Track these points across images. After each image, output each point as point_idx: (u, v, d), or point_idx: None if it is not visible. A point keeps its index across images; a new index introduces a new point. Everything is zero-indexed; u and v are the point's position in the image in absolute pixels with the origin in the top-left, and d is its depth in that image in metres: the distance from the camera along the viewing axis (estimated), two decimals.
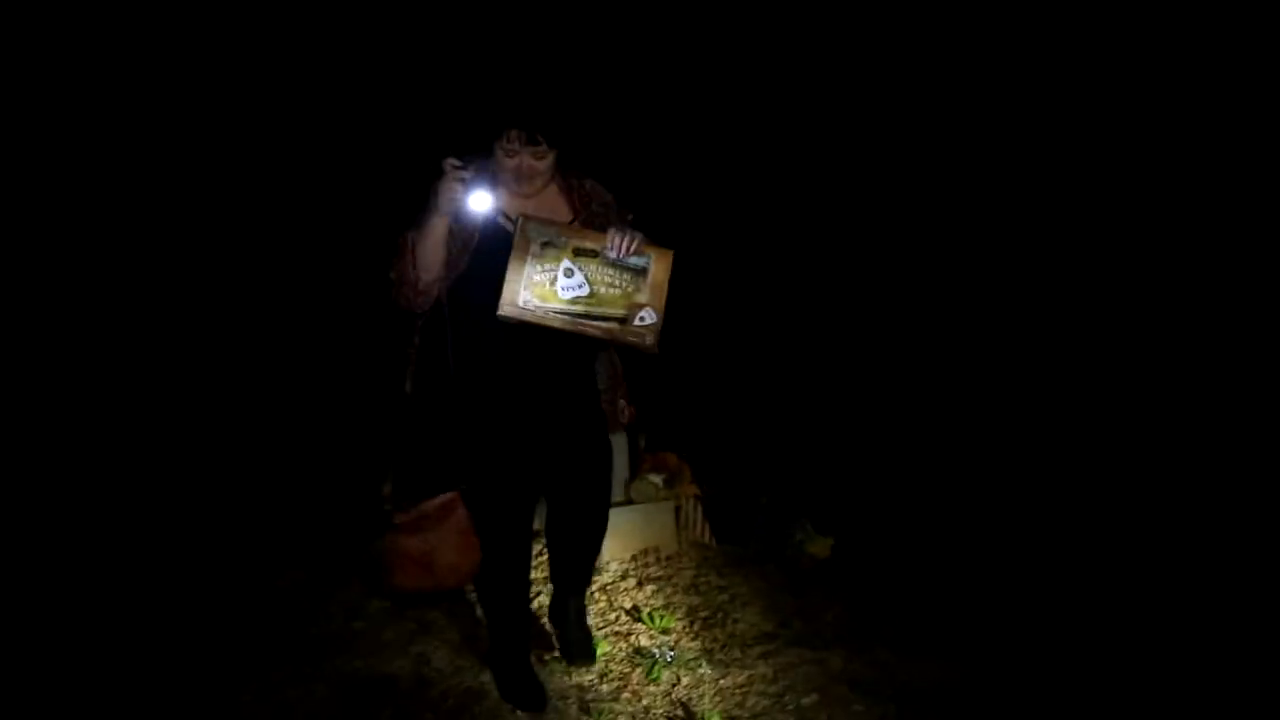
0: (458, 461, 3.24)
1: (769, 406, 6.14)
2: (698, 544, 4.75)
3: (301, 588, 4.24)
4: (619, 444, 4.65)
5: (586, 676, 3.61)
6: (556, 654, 3.72)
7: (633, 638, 3.91)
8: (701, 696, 3.53)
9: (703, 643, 3.89)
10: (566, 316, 3.01)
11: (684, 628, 4.00)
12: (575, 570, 3.65)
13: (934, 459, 5.45)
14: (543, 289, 2.99)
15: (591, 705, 3.41)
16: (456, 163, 2.94)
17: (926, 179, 7.00)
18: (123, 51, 6.34)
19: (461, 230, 3.06)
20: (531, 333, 3.04)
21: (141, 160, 6.44)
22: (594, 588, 4.25)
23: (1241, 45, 5.92)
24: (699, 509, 4.82)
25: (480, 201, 2.97)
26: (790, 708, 3.45)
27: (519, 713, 3.39)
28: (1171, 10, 6.15)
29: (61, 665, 3.55)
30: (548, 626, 3.82)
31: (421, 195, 3.04)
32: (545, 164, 3.10)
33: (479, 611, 3.81)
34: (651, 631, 3.95)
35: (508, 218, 3.10)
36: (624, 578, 4.39)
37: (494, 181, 3.07)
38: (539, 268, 2.99)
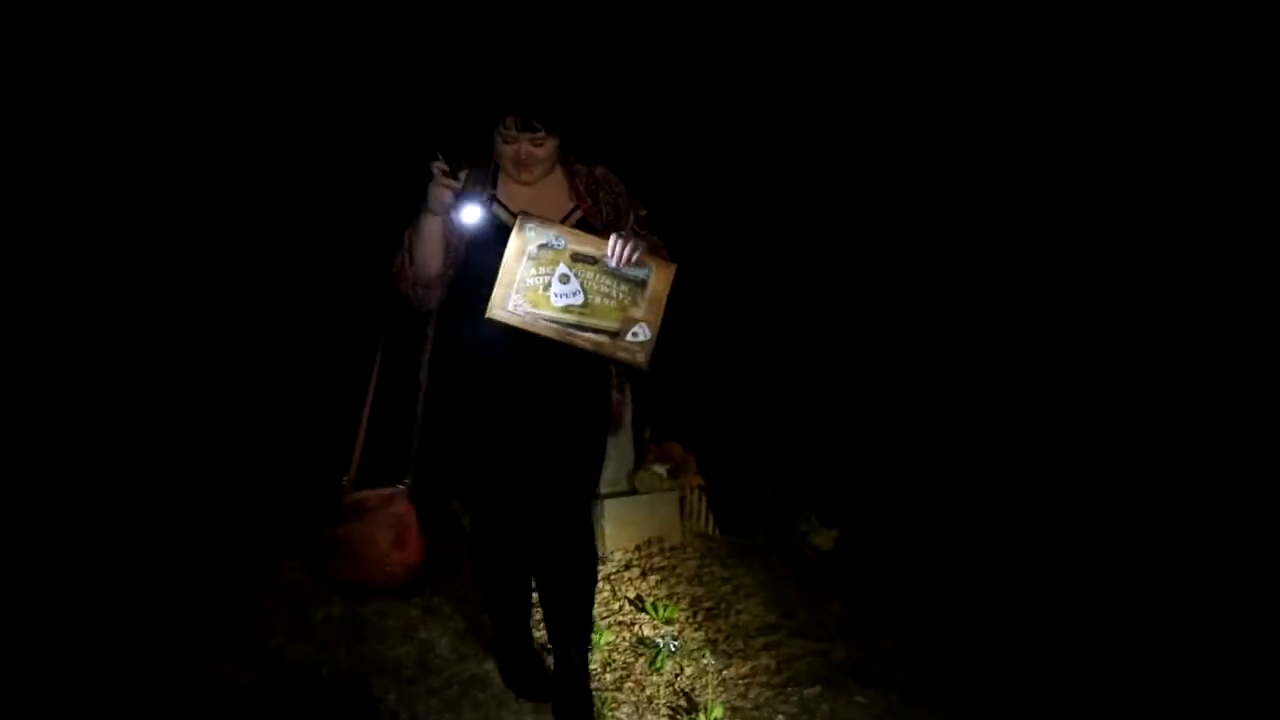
0: (442, 452, 3.16)
1: (774, 398, 6.14)
2: (702, 534, 4.75)
3: (303, 576, 4.24)
4: (624, 441, 4.65)
5: (590, 666, 3.61)
6: None
7: (636, 627, 3.91)
8: (705, 687, 3.53)
9: (706, 633, 3.89)
10: (556, 325, 2.86)
11: (687, 618, 4.01)
12: (568, 612, 3.28)
13: (938, 451, 5.45)
14: (535, 294, 2.85)
15: (595, 694, 3.41)
16: (444, 167, 2.85)
17: (932, 170, 6.99)
18: (119, 49, 6.33)
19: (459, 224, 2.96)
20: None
21: (120, 145, 6.44)
22: (599, 577, 4.24)
23: (1241, 45, 5.92)
24: (703, 499, 4.83)
25: (470, 214, 2.88)
26: (794, 698, 3.45)
27: (522, 701, 3.39)
28: (1171, 10, 6.15)
29: (59, 657, 3.54)
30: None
31: (420, 189, 2.96)
32: (545, 151, 2.96)
33: None
34: (655, 621, 3.95)
35: (506, 208, 3.00)
36: (628, 567, 4.40)
37: (487, 175, 3.01)
38: (533, 271, 2.85)
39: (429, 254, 2.94)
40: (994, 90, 6.78)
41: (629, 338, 2.88)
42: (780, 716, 3.35)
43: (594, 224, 3.01)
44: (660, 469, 4.75)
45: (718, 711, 3.33)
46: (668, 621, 3.96)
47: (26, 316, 5.62)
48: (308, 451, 5.22)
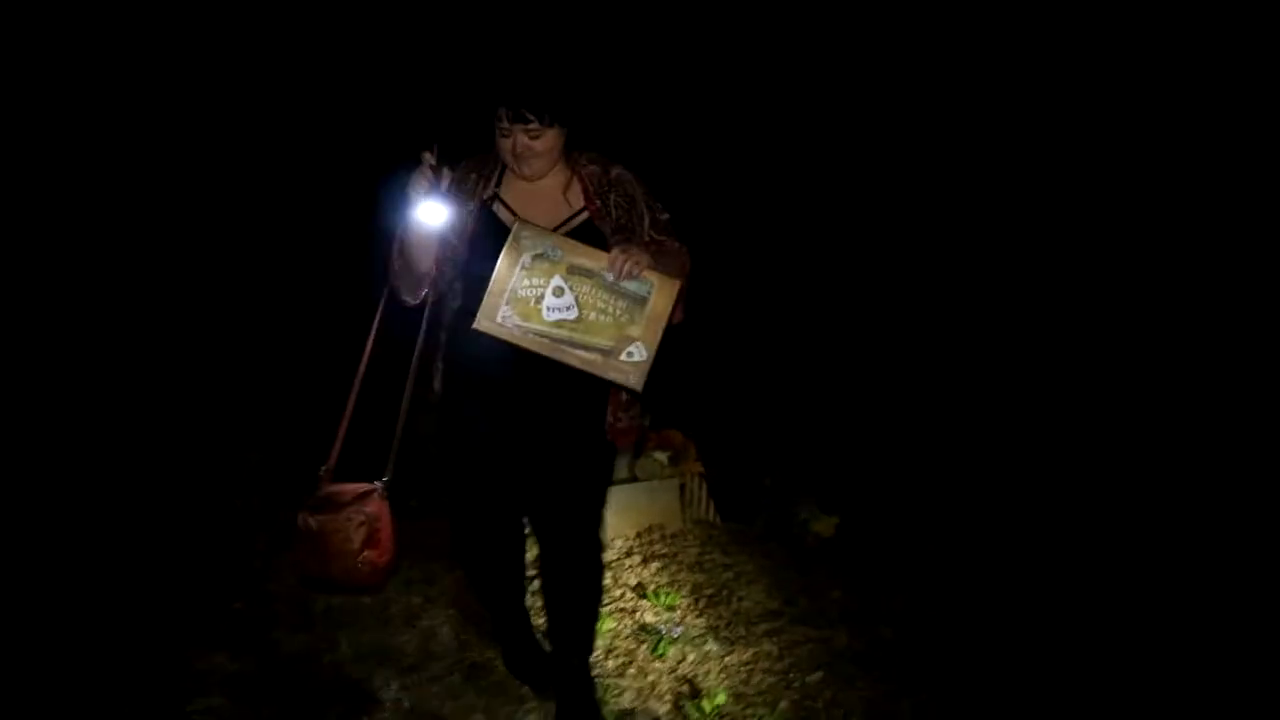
0: (438, 455, 3.07)
1: (774, 385, 6.14)
2: (702, 522, 4.75)
3: None
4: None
5: (592, 653, 3.61)
6: None
7: (638, 614, 3.92)
8: (707, 673, 3.54)
9: (708, 620, 3.89)
10: (547, 340, 2.71)
11: (689, 605, 4.01)
12: (570, 624, 3.19)
13: (939, 438, 5.46)
14: (526, 306, 2.71)
15: (597, 681, 3.41)
16: (431, 159, 2.77)
17: (935, 161, 6.99)
18: (112, 45, 6.32)
19: (453, 221, 2.85)
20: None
21: (115, 132, 6.44)
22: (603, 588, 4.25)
23: (1241, 45, 5.93)
24: (704, 486, 4.83)
25: (430, 213, 2.75)
26: (795, 685, 3.46)
27: (525, 689, 3.40)
28: (1171, 10, 6.16)
29: (62, 648, 3.55)
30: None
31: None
32: (543, 144, 2.81)
33: None
34: (657, 608, 3.95)
35: (508, 207, 2.89)
36: (629, 555, 4.40)
37: (493, 173, 2.92)
38: (526, 281, 2.71)
39: (418, 248, 2.84)
40: (999, 89, 6.78)
41: (623, 357, 2.72)
42: (783, 703, 3.36)
43: (601, 228, 2.87)
44: (661, 456, 4.75)
45: (720, 698, 3.34)
46: (669, 608, 3.96)
47: (24, 312, 5.63)
48: (307, 441, 5.24)
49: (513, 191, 2.92)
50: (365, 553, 2.89)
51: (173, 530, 4.37)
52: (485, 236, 2.84)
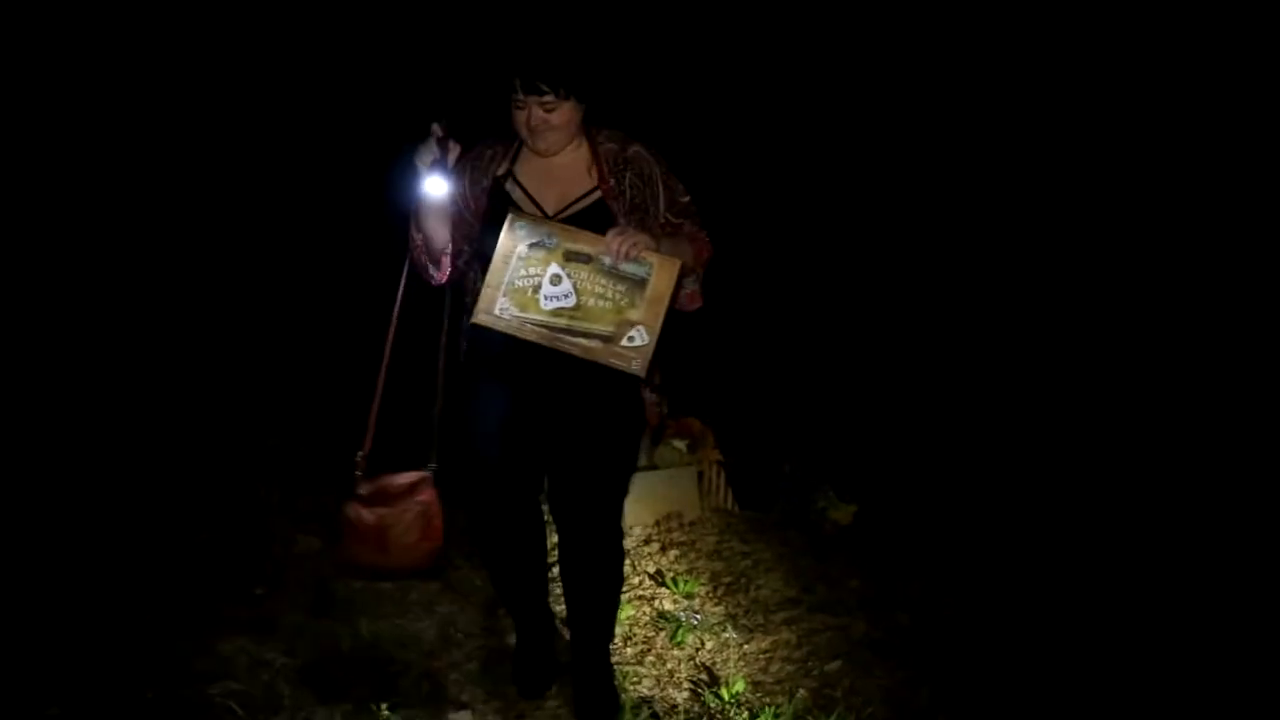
0: (449, 438, 3.00)
1: (792, 373, 6.13)
2: (720, 509, 4.75)
3: (321, 551, 4.26)
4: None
5: (611, 640, 3.62)
6: None
7: (657, 602, 3.92)
8: (725, 661, 3.54)
9: (726, 608, 3.90)
10: (545, 330, 2.66)
11: (707, 593, 4.01)
12: (591, 616, 3.20)
13: (956, 426, 5.44)
14: (523, 296, 2.66)
15: (616, 668, 3.41)
16: (438, 129, 2.74)
17: (953, 153, 6.97)
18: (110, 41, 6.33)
19: (467, 197, 2.85)
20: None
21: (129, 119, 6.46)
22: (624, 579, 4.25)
23: (1241, 45, 5.91)
24: (722, 474, 4.83)
25: (436, 186, 2.73)
26: (814, 673, 3.46)
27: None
28: (1171, 10, 6.14)
29: (81, 638, 3.56)
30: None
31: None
32: (558, 118, 2.74)
33: None
34: (675, 596, 3.96)
35: (521, 186, 2.84)
36: (647, 542, 4.40)
37: (509, 151, 2.87)
38: (522, 271, 2.66)
39: (430, 223, 2.83)
40: (1016, 82, 6.76)
41: (624, 342, 2.65)
42: (801, 691, 3.35)
43: (614, 207, 2.79)
44: (679, 444, 4.75)
45: (739, 685, 3.35)
46: (688, 596, 3.96)
47: (49, 305, 5.66)
48: (326, 425, 5.26)
49: (527, 169, 2.86)
50: (425, 543, 2.96)
51: (194, 516, 4.39)
52: (498, 215, 2.77)
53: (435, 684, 3.37)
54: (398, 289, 2.96)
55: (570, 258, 2.65)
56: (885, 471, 5.07)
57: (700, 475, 4.74)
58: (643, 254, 2.63)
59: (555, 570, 3.53)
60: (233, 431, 5.16)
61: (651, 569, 4.17)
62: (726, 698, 3.30)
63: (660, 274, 2.64)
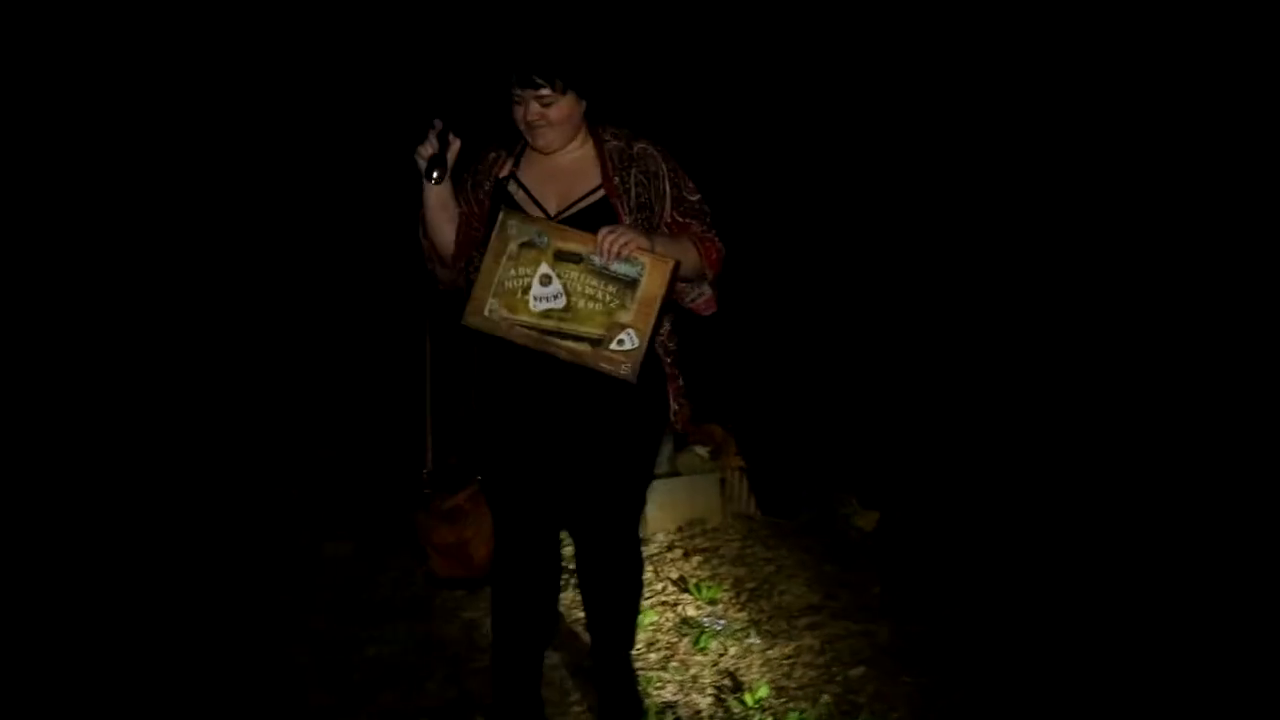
0: (476, 452, 2.96)
1: (815, 379, 6.14)
2: (743, 516, 4.76)
3: (349, 557, 4.30)
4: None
5: (634, 646, 3.63)
6: None
7: (680, 608, 3.94)
8: (749, 667, 3.55)
9: (749, 614, 3.91)
10: (534, 333, 2.58)
11: (730, 598, 4.02)
12: (611, 624, 3.15)
13: (980, 432, 5.44)
14: (512, 298, 2.59)
15: (640, 674, 3.43)
16: (438, 124, 2.68)
17: (976, 152, 6.96)
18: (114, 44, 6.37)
19: (471, 202, 2.80)
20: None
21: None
22: (643, 585, 4.27)
23: (1241, 45, 5.91)
24: (744, 481, 4.84)
25: (435, 183, 2.70)
26: (838, 679, 3.47)
27: (570, 680, 3.42)
28: (1172, 10, 6.15)
29: (112, 639, 3.61)
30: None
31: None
32: (556, 113, 2.65)
33: None
34: (698, 602, 3.97)
35: (524, 188, 2.76)
36: (670, 549, 4.42)
37: (500, 152, 2.82)
38: (512, 272, 2.58)
39: (435, 226, 2.79)
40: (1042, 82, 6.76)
41: (613, 346, 2.55)
42: (825, 697, 3.36)
43: (617, 206, 2.70)
44: (701, 450, 4.77)
45: (763, 691, 3.35)
46: (711, 602, 3.97)
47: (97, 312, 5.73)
48: (352, 432, 5.30)
49: (530, 170, 2.80)
50: (488, 550, 2.97)
51: (223, 521, 4.44)
52: (499, 213, 2.70)
53: (462, 688, 3.40)
54: (425, 299, 2.99)
55: (561, 257, 2.57)
56: (909, 477, 5.07)
57: (723, 482, 4.75)
58: (635, 253, 2.53)
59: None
60: (263, 438, 5.20)
61: (674, 575, 4.19)
62: (750, 703, 3.31)
63: (652, 275, 2.53)
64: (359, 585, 4.06)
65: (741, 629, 3.78)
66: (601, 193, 2.72)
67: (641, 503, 3.08)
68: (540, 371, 2.71)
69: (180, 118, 6.75)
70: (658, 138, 2.84)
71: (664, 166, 2.77)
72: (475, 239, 2.79)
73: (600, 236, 2.52)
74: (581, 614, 3.44)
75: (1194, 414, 5.20)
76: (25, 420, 5.07)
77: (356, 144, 6.70)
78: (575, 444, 2.84)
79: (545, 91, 2.63)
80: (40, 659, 3.43)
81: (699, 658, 3.60)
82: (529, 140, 2.73)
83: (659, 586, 4.10)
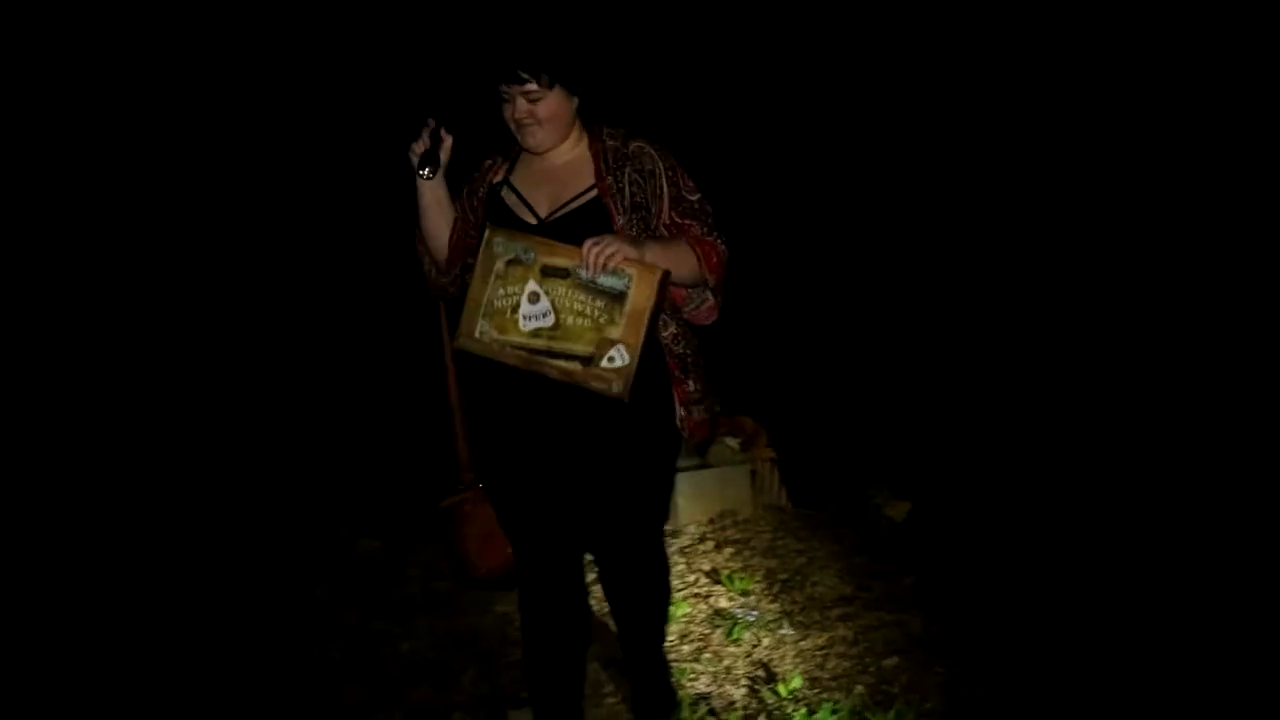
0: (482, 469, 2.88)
1: (845, 369, 6.12)
2: (774, 507, 4.75)
3: (379, 554, 4.32)
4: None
5: (667, 638, 3.62)
6: None
7: (712, 599, 3.93)
8: (782, 657, 3.54)
9: (782, 605, 3.89)
10: (524, 353, 2.48)
11: (763, 590, 4.01)
12: (639, 624, 3.04)
13: (1011, 420, 5.41)
14: (502, 318, 2.49)
15: (673, 665, 3.43)
16: (431, 122, 2.63)
17: (1011, 141, 6.92)
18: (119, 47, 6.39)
19: (467, 210, 2.73)
20: None
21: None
22: (672, 550, 4.27)
23: (1241, 45, 5.87)
24: (775, 472, 4.83)
25: (426, 182, 2.65)
26: (871, 669, 3.45)
27: (604, 672, 3.42)
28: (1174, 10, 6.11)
29: (149, 633, 3.64)
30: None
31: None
32: (545, 110, 2.56)
33: None
34: (731, 593, 3.96)
35: (518, 194, 2.66)
36: (701, 540, 4.41)
37: (495, 157, 2.74)
38: (501, 291, 2.49)
39: (430, 227, 2.73)
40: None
41: (604, 364, 2.43)
42: (858, 687, 3.35)
43: (610, 207, 2.58)
44: (732, 442, 4.76)
45: (796, 682, 3.34)
46: (743, 593, 3.97)
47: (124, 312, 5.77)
48: (379, 434, 5.32)
49: (524, 173, 2.70)
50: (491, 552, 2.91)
51: (255, 519, 4.47)
52: (493, 220, 2.63)
53: (494, 683, 3.40)
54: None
55: (548, 273, 2.46)
56: (940, 467, 5.05)
57: (754, 473, 4.75)
58: (621, 264, 2.41)
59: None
60: (294, 436, 5.23)
61: (707, 567, 4.18)
62: (784, 694, 3.30)
63: (640, 286, 2.41)
64: (389, 581, 4.08)
65: (774, 620, 3.77)
66: (594, 193, 2.60)
67: (659, 514, 2.92)
68: (535, 392, 2.58)
69: (191, 121, 6.78)
70: (659, 135, 2.72)
71: (661, 165, 2.64)
72: (470, 246, 2.67)
73: (585, 249, 2.40)
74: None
75: (1227, 406, 5.15)
76: (60, 422, 5.12)
77: (364, 145, 6.73)
78: (577, 464, 2.69)
79: (532, 87, 2.53)
80: (74, 654, 3.46)
81: (732, 649, 3.60)
82: (520, 140, 2.63)
83: (691, 578, 4.09)
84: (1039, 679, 3.40)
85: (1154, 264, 6.15)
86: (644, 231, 2.58)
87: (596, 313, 2.43)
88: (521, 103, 2.55)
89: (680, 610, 3.78)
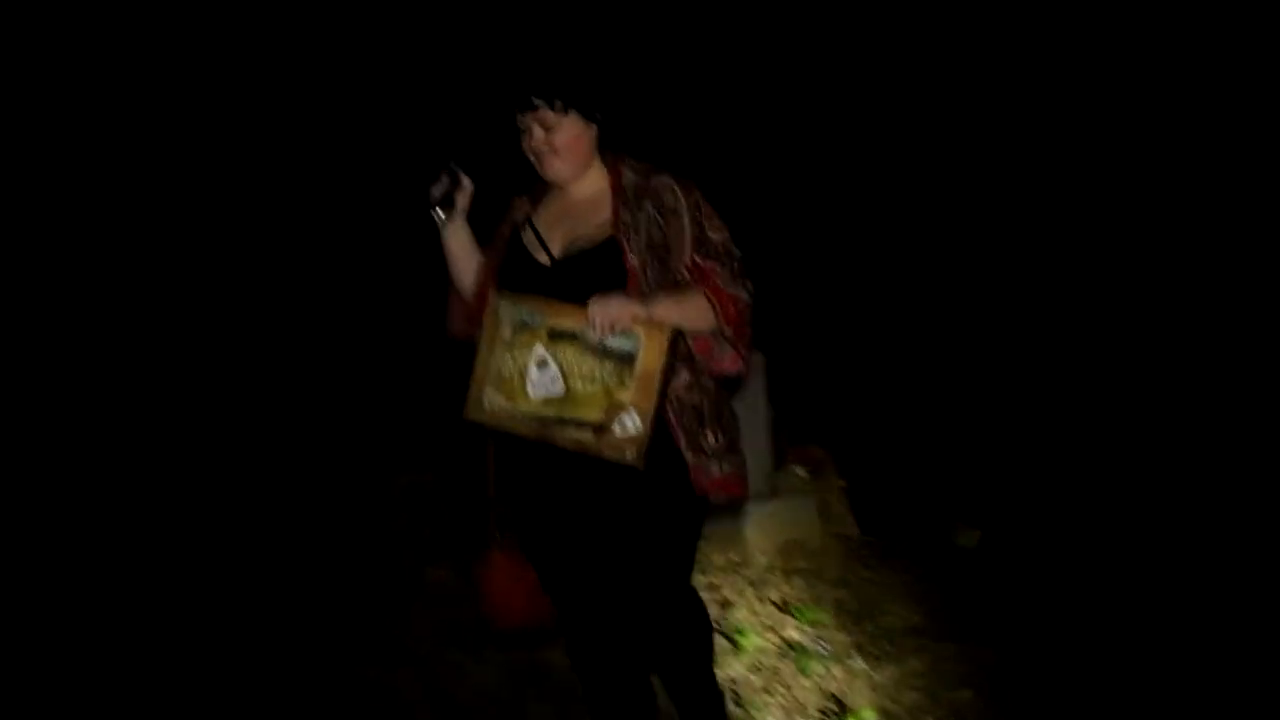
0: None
1: (914, 397, 6.07)
2: (843, 536, 4.72)
3: (448, 583, 4.33)
4: (762, 444, 4.62)
5: (737, 669, 3.61)
6: None
7: (782, 631, 3.91)
8: (854, 690, 3.51)
9: (853, 636, 3.86)
10: (535, 423, 2.39)
11: (833, 621, 3.98)
12: (682, 685, 2.83)
13: (1084, 446, 5.34)
14: (510, 386, 2.41)
15: (743, 698, 3.42)
16: (453, 168, 2.56)
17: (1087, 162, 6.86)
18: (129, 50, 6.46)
19: (492, 252, 2.64)
20: None
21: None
22: (740, 581, 4.26)
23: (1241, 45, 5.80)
24: (844, 501, 4.80)
25: (439, 204, 2.56)
26: (944, 702, 3.41)
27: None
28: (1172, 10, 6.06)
29: (221, 662, 3.68)
30: None
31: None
32: (561, 139, 2.48)
33: None
34: (801, 625, 3.94)
35: (537, 234, 2.56)
36: (770, 571, 4.39)
37: (523, 196, 2.67)
38: (508, 358, 2.41)
39: (455, 276, 2.67)
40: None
41: (616, 431, 2.33)
42: None
43: (624, 245, 2.45)
44: (800, 471, 4.75)
45: (869, 715, 3.32)
46: (813, 624, 3.94)
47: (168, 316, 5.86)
48: (451, 460, 5.35)
49: (545, 211, 2.62)
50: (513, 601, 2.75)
51: (325, 547, 4.51)
52: (510, 264, 2.58)
53: (568, 716, 3.40)
54: None
55: (555, 336, 2.37)
56: (1011, 494, 4.99)
57: (822, 502, 4.72)
58: (629, 324, 2.31)
59: None
60: (364, 465, 5.28)
61: (776, 597, 4.16)
62: None
63: (649, 347, 2.31)
64: (459, 610, 4.08)
65: (845, 651, 3.74)
66: (608, 231, 2.48)
67: (676, 581, 2.65)
68: (547, 459, 2.48)
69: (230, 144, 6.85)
70: (689, 166, 2.61)
71: (684, 201, 2.49)
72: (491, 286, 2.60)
73: (590, 311, 2.30)
74: None
75: None
76: (131, 442, 5.22)
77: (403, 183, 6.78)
78: (588, 529, 2.56)
79: (545, 113, 2.46)
80: (144, 674, 3.51)
81: (803, 681, 3.57)
82: (539, 171, 2.55)
83: (761, 610, 4.07)
84: (1117, 712, 3.35)
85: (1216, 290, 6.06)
86: (662, 273, 2.45)
87: (606, 376, 2.33)
88: (537, 131, 2.48)
89: (750, 642, 3.76)
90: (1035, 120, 7.08)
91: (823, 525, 4.68)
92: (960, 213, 7.05)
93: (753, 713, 3.37)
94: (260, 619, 3.93)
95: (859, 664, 3.66)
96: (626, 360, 2.31)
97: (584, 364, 2.34)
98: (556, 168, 2.51)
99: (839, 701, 3.44)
